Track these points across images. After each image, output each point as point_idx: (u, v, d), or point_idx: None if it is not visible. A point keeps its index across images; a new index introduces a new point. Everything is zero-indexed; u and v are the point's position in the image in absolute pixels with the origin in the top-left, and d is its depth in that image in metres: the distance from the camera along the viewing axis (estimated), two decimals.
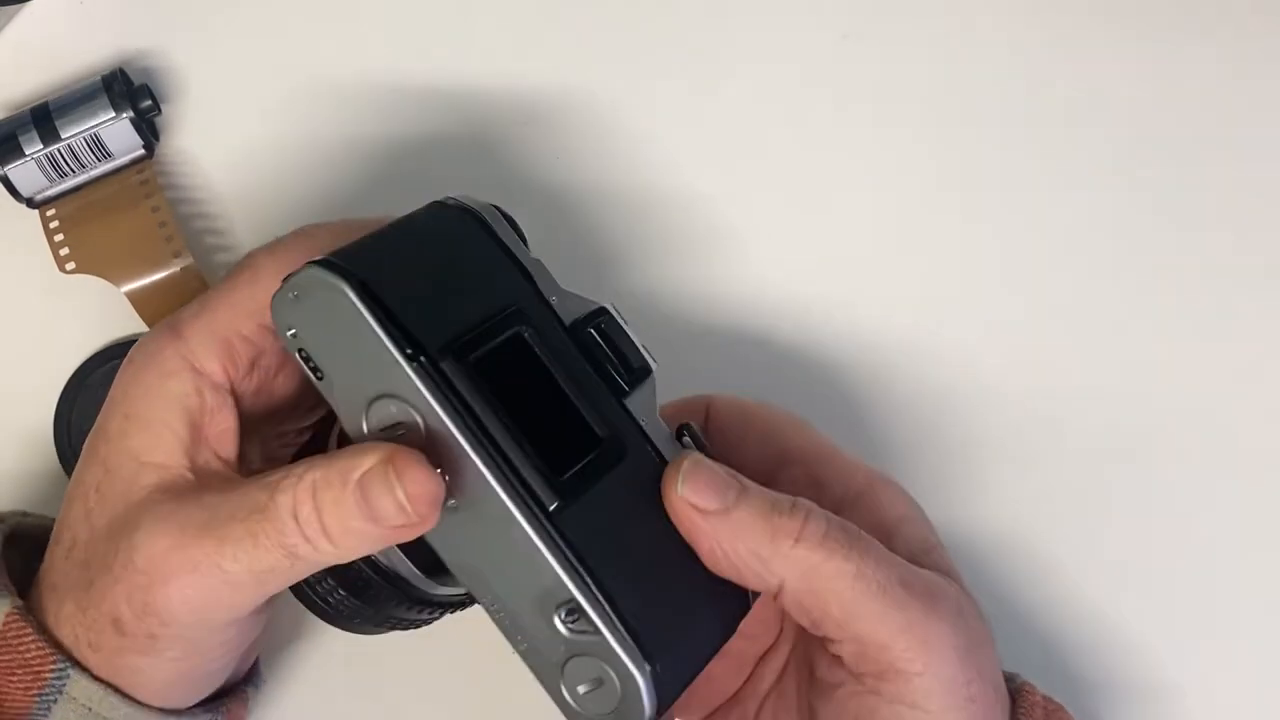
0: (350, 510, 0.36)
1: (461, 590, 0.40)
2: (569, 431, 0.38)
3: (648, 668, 0.36)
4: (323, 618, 0.41)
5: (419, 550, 0.38)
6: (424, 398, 0.36)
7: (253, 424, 0.41)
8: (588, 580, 0.36)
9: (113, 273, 0.49)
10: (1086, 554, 0.50)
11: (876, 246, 0.53)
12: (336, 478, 0.36)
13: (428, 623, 0.42)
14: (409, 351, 0.36)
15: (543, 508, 0.36)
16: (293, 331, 0.37)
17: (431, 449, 0.36)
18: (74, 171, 0.50)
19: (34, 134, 0.49)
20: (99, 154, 0.50)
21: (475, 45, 0.54)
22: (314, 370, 0.37)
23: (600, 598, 0.36)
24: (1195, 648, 0.50)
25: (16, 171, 0.49)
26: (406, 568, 0.39)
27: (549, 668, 0.37)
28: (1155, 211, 0.53)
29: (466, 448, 0.36)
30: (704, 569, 0.39)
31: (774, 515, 0.38)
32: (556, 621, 0.37)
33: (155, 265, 0.49)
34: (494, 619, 0.38)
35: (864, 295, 0.52)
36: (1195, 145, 0.53)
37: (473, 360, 0.37)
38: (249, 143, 0.53)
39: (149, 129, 0.51)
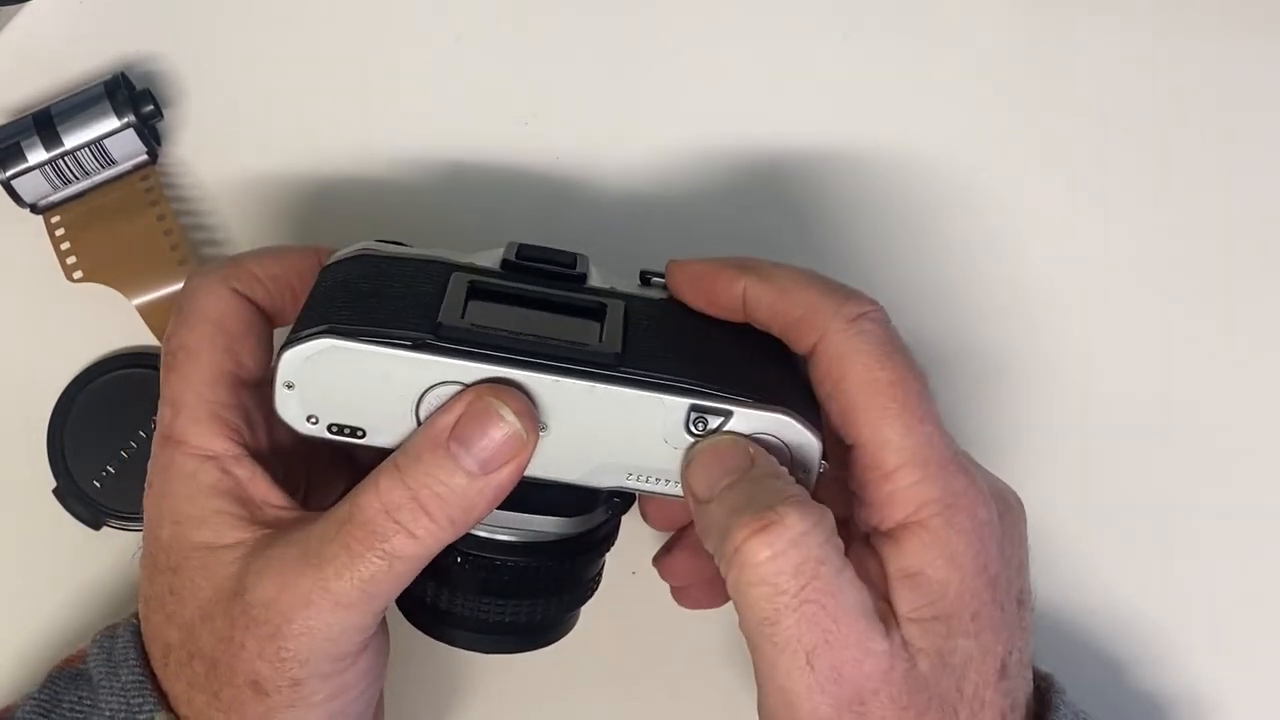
0: (449, 468, 0.37)
1: (602, 512, 0.42)
2: (573, 312, 0.40)
3: (781, 407, 0.38)
4: (528, 645, 0.43)
5: (552, 500, 0.40)
6: (455, 365, 0.37)
7: (302, 471, 0.42)
8: (686, 385, 0.38)
9: (122, 283, 0.49)
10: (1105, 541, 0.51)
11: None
12: (424, 448, 0.37)
13: (598, 572, 0.44)
14: (411, 343, 0.37)
15: (609, 364, 0.38)
16: (312, 418, 0.38)
17: None
18: (77, 178, 0.49)
19: (36, 140, 0.49)
20: (102, 161, 0.49)
21: (478, 48, 0.53)
22: (352, 433, 0.38)
23: (707, 389, 0.38)
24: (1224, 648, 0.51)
25: (20, 178, 0.49)
26: (552, 524, 0.40)
27: None
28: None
29: (519, 372, 0.37)
30: (765, 352, 0.40)
31: (733, 516, 0.36)
32: (694, 441, 0.38)
33: (163, 276, 0.49)
34: (646, 489, 0.39)
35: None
36: None
37: (461, 318, 0.38)
38: (249, 151, 0.52)
39: (151, 135, 0.50)
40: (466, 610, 0.41)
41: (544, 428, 0.38)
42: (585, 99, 0.53)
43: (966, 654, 0.38)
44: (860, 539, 0.39)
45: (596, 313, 0.40)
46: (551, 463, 0.38)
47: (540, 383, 0.37)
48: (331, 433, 0.38)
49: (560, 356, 0.38)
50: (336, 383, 0.38)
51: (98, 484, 0.49)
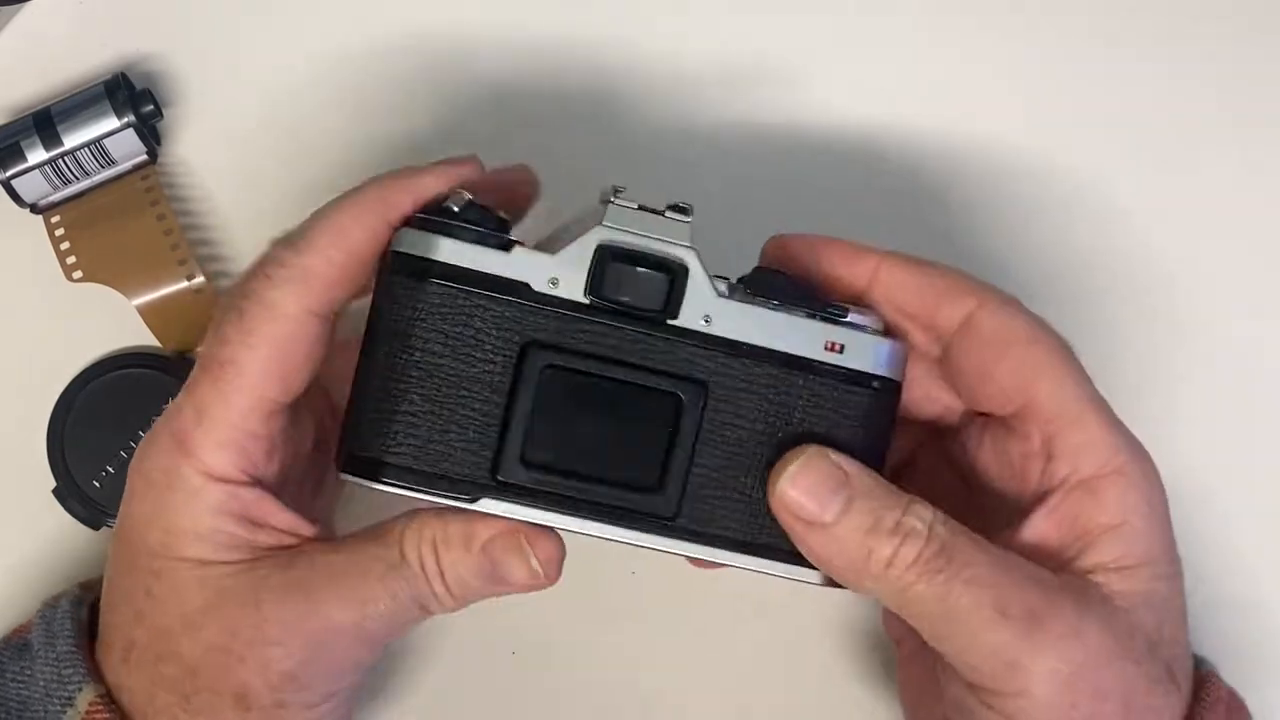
0: (472, 571, 0.38)
1: None
2: (645, 416, 0.39)
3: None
4: None
5: None
6: (508, 514, 0.38)
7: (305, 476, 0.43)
8: (733, 539, 0.40)
9: (121, 283, 0.49)
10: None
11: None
12: (457, 540, 0.38)
13: None
14: (468, 498, 0.38)
15: (663, 521, 0.39)
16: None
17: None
18: (77, 178, 0.49)
19: (36, 140, 0.49)
20: (102, 161, 0.49)
21: (479, 49, 0.53)
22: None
23: (752, 543, 0.40)
24: None
25: (20, 178, 0.49)
26: None
27: None
28: None
29: (573, 521, 0.39)
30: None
31: (871, 536, 0.38)
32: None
33: (163, 276, 0.49)
34: None
35: None
36: None
37: (522, 462, 0.38)
38: (249, 151, 0.52)
39: (151, 135, 0.50)
40: None
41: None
42: (587, 87, 0.53)
43: (1164, 596, 0.39)
44: (1026, 508, 0.40)
45: (667, 411, 0.39)
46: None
47: (593, 528, 0.39)
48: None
49: (614, 514, 0.39)
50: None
51: (98, 484, 0.49)
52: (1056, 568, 0.39)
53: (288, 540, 0.39)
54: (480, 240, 0.38)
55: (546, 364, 0.38)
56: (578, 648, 0.49)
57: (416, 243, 0.38)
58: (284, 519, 0.39)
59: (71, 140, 0.49)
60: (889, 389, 0.40)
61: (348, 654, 0.38)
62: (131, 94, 0.50)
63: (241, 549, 0.39)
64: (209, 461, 0.38)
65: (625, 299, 0.39)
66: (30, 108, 0.50)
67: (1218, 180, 0.53)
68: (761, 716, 0.50)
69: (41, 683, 0.40)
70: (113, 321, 0.50)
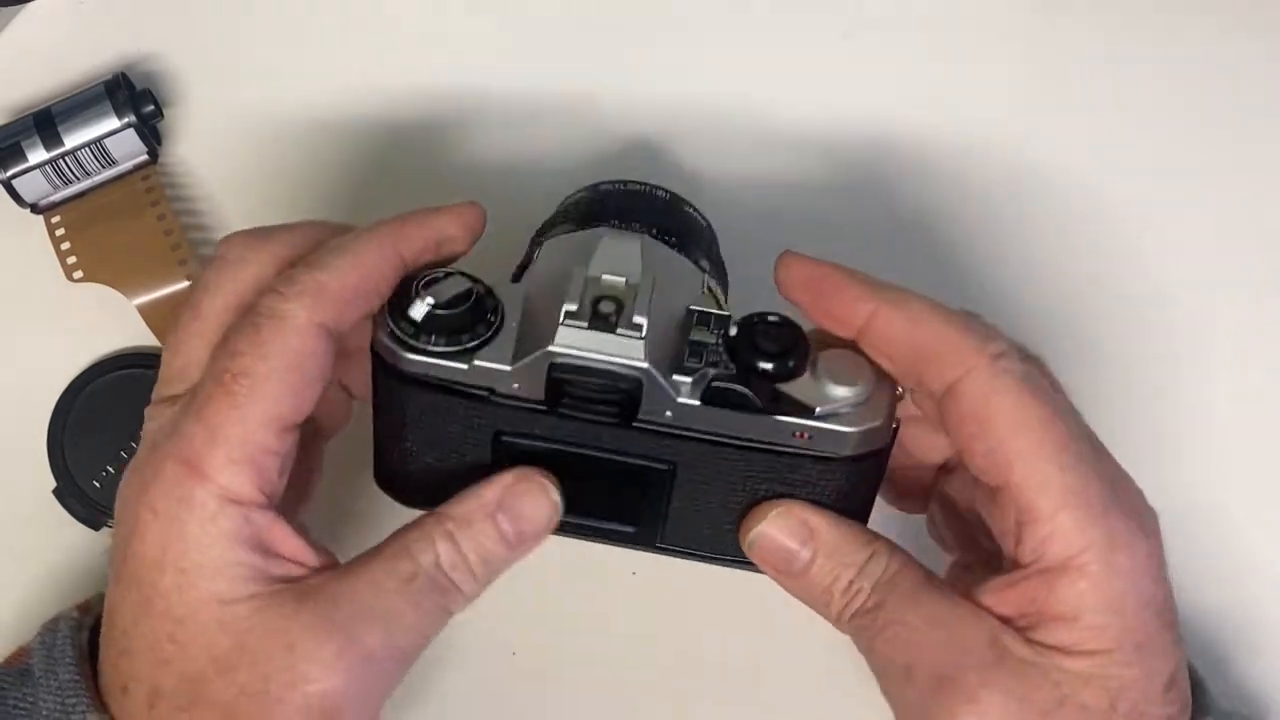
0: (494, 539, 0.39)
1: None
2: (617, 484, 0.40)
3: None
4: None
5: None
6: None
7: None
8: (723, 557, 0.42)
9: (122, 283, 0.49)
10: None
11: None
12: (475, 514, 0.39)
13: None
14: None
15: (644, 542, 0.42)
16: None
17: None
18: (78, 178, 0.50)
19: (37, 140, 0.49)
20: (103, 161, 0.49)
21: (481, 51, 0.53)
22: None
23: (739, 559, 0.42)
24: None
25: (21, 178, 0.49)
26: None
27: None
28: None
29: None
30: None
31: (827, 594, 0.40)
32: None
33: (163, 276, 0.49)
34: None
35: None
36: None
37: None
38: (249, 151, 0.52)
39: (151, 134, 0.50)
40: None
41: None
42: (584, 100, 0.53)
43: (1125, 679, 0.37)
44: (1003, 565, 0.39)
45: (639, 483, 0.40)
46: None
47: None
48: None
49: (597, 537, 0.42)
50: None
51: (98, 484, 0.49)
52: (1011, 629, 0.38)
53: (294, 570, 0.38)
54: (441, 355, 0.39)
55: (518, 448, 0.40)
56: (578, 648, 0.49)
57: (389, 350, 0.39)
58: (291, 546, 0.38)
59: (72, 140, 0.49)
60: (870, 455, 0.39)
61: (383, 676, 0.38)
62: (131, 94, 0.50)
63: (257, 580, 0.37)
64: (223, 482, 0.37)
65: (581, 413, 0.39)
66: (30, 108, 0.50)
67: (1231, 185, 0.53)
68: (763, 716, 0.50)
69: (44, 711, 0.39)
70: (113, 321, 0.50)
